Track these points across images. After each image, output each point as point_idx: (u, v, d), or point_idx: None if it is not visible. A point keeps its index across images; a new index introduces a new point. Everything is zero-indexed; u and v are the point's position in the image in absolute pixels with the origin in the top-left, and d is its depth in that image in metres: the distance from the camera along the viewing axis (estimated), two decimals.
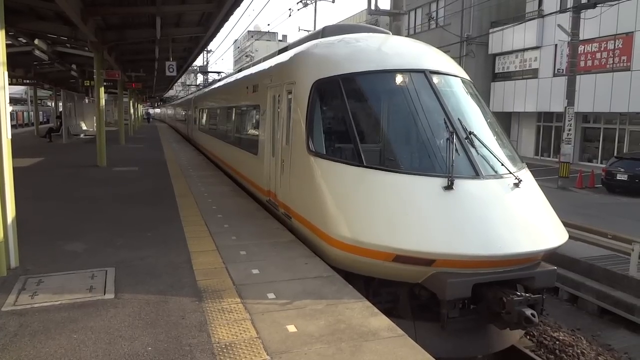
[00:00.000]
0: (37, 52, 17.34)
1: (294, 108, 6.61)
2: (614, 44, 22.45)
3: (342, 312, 4.21)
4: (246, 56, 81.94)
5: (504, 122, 28.15)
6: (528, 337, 6.87)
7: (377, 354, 3.53)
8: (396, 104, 6.11)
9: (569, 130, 18.44)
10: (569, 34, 18.46)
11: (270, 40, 77.48)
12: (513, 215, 5.09)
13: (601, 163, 22.21)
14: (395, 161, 5.58)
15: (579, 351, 6.57)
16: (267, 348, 3.57)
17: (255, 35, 71.13)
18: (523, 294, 4.90)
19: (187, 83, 68.89)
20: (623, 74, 21.94)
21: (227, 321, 4.00)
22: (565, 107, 18.46)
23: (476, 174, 5.28)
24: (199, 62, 59.80)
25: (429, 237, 4.82)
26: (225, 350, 3.53)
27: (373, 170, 5.36)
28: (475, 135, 5.60)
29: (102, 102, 15.57)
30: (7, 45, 6.41)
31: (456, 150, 5.35)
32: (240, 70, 14.37)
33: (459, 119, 5.71)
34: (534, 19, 26.37)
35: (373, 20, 33.61)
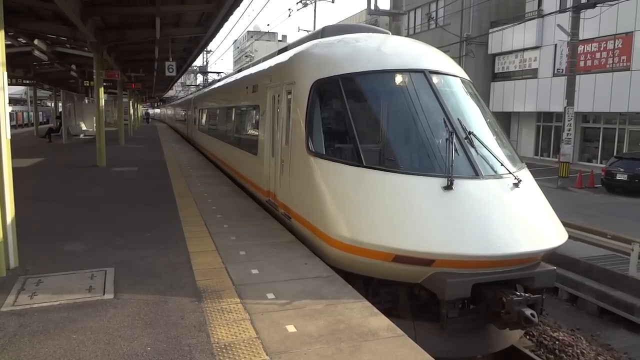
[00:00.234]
0: (36, 53, 17.34)
1: (293, 108, 6.61)
2: (614, 44, 22.46)
3: (342, 312, 4.21)
4: (246, 56, 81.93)
5: (504, 122, 28.16)
6: (528, 337, 6.87)
7: (376, 354, 3.53)
8: (396, 104, 6.11)
9: (569, 130, 18.45)
10: (569, 33, 18.46)
11: (270, 40, 77.51)
12: (512, 215, 5.09)
13: (601, 163, 22.21)
14: (394, 161, 5.58)
15: (578, 351, 6.57)
16: (267, 348, 3.56)
17: (255, 35, 71.15)
18: (523, 294, 4.90)
19: (187, 83, 68.85)
20: (623, 73, 21.95)
21: (227, 321, 3.99)
22: (565, 107, 18.46)
23: (476, 174, 5.28)
24: (198, 62, 59.85)
25: (428, 237, 4.82)
26: (224, 351, 3.53)
27: (373, 171, 5.36)
28: (474, 135, 5.60)
29: (102, 102, 15.57)
30: (7, 46, 6.41)
31: (456, 150, 5.35)
32: (240, 71, 14.37)
33: (458, 119, 5.71)
34: (533, 18, 26.38)
35: (373, 20, 33.60)
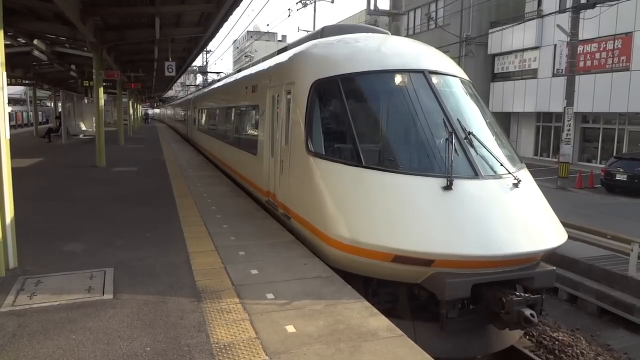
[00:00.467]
0: (36, 53, 17.34)
1: (293, 108, 6.61)
2: (613, 44, 22.47)
3: (341, 312, 4.21)
4: (245, 56, 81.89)
5: (503, 122, 28.16)
6: (527, 337, 6.86)
7: (376, 354, 3.52)
8: (395, 104, 6.11)
9: (568, 130, 18.45)
10: (568, 34, 18.47)
11: (269, 40, 77.53)
12: (512, 216, 5.09)
13: (600, 163, 22.22)
14: (394, 161, 5.57)
15: (578, 351, 6.57)
16: (266, 348, 3.56)
17: (255, 35, 71.14)
18: (522, 294, 4.90)
19: (187, 83, 68.82)
20: (622, 74, 21.95)
21: (226, 321, 3.99)
22: (565, 107, 18.47)
23: (475, 174, 5.28)
24: (198, 62, 59.94)
25: (428, 237, 4.82)
26: (224, 351, 3.53)
27: (372, 171, 5.35)
28: (474, 136, 5.60)
29: (101, 102, 15.56)
30: (6, 46, 6.40)
31: (455, 150, 5.35)
32: (239, 71, 14.37)
33: (458, 119, 5.71)
34: (533, 19, 26.38)
35: (372, 20, 33.59)
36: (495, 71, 30.21)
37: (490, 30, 29.22)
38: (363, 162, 5.40)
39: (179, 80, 57.77)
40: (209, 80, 43.13)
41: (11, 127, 29.48)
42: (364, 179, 5.34)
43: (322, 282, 4.89)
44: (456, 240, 4.75)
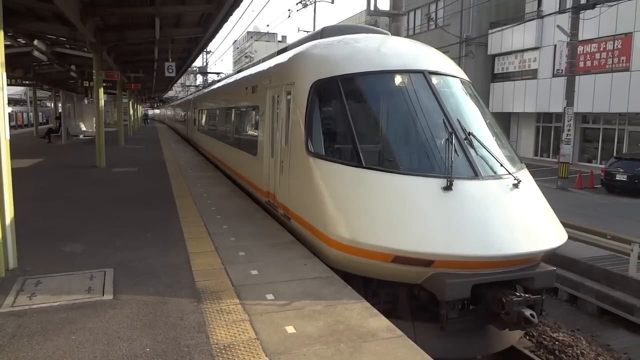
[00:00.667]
0: (36, 53, 17.34)
1: (293, 109, 6.61)
2: (613, 45, 22.47)
3: (341, 313, 4.20)
4: (245, 57, 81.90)
5: (503, 122, 28.16)
6: (527, 337, 6.86)
7: (376, 354, 3.52)
8: (395, 105, 6.11)
9: (569, 130, 18.45)
10: (568, 34, 18.47)
11: (269, 41, 77.50)
12: (512, 216, 5.09)
13: (600, 163, 22.21)
14: (394, 162, 5.58)
15: (578, 351, 6.56)
16: (266, 349, 3.56)
17: (255, 36, 71.14)
18: (522, 294, 4.90)
19: (187, 84, 68.82)
20: (622, 74, 21.95)
21: (226, 322, 3.99)
22: (565, 108, 18.47)
23: (475, 175, 5.27)
24: (198, 62, 59.89)
25: (428, 238, 4.81)
26: (224, 351, 3.53)
27: (372, 171, 5.35)
28: (474, 136, 5.60)
29: (101, 102, 15.57)
30: (6, 46, 6.40)
31: (455, 150, 5.34)
32: (239, 71, 14.37)
33: (458, 119, 5.70)
34: (533, 19, 26.39)
35: (372, 20, 33.60)
36: (495, 71, 30.21)
37: (490, 31, 29.21)
38: (363, 162, 5.40)
39: (179, 81, 57.80)
40: (209, 81, 43.12)
41: (11, 127, 29.55)
42: (364, 180, 5.34)
43: (322, 283, 4.89)
44: (456, 241, 4.75)
